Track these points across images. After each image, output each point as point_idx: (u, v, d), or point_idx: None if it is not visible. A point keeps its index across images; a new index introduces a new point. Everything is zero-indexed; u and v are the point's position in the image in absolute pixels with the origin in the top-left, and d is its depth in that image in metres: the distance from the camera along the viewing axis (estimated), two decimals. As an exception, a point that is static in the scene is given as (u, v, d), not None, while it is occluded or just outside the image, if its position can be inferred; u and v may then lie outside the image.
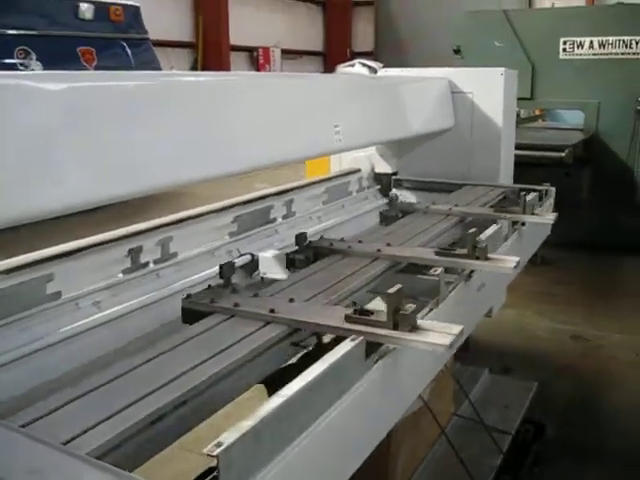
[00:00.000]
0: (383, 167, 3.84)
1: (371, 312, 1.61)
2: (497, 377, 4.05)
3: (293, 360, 1.86)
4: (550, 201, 3.48)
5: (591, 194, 6.75)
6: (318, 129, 2.51)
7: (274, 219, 2.86)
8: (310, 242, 2.48)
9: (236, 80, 2.40)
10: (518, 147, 4.21)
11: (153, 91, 1.89)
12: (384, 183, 3.81)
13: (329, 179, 3.40)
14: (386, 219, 3.07)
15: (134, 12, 9.46)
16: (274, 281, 2.32)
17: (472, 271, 2.24)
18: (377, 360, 1.52)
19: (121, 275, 2.12)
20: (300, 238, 2.47)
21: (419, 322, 1.57)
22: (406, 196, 3.71)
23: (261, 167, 2.26)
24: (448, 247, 2.32)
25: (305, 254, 2.41)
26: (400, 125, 3.22)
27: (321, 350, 1.59)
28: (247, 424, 1.06)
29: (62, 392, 1.37)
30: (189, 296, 1.93)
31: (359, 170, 3.70)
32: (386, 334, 1.53)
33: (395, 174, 3.84)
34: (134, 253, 2.16)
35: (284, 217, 2.93)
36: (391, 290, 1.57)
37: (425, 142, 3.72)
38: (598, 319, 5.34)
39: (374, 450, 1.59)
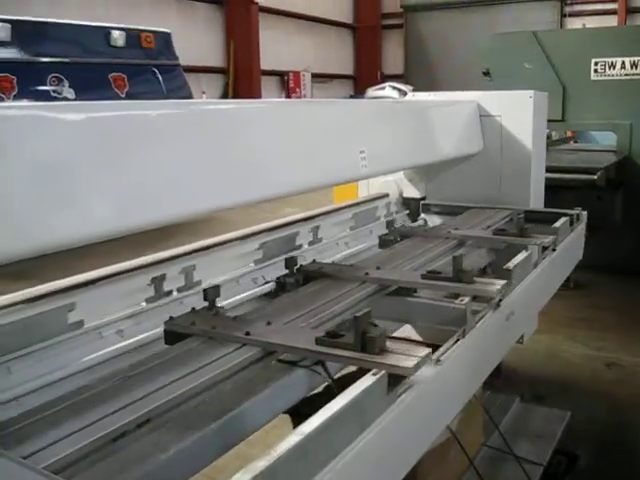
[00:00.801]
0: (411, 192, 3.81)
1: (341, 335, 1.65)
2: (528, 405, 3.96)
3: (319, 389, 1.84)
4: (582, 225, 3.42)
5: (624, 217, 6.63)
6: (343, 155, 2.49)
7: (300, 245, 2.83)
8: (301, 266, 2.51)
9: (261, 107, 2.39)
10: (549, 170, 4.15)
11: (177, 120, 1.88)
12: (412, 208, 3.78)
13: (357, 204, 3.38)
14: (385, 243, 3.05)
15: (165, 38, 9.59)
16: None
17: (501, 300, 2.20)
18: (400, 394, 1.48)
19: (144, 304, 2.11)
20: (290, 262, 2.51)
21: (387, 344, 1.59)
22: (434, 221, 3.67)
23: (285, 194, 2.24)
24: (434, 271, 2.33)
25: (295, 277, 2.44)
26: (428, 150, 3.19)
27: (346, 380, 1.57)
28: (261, 465, 1.02)
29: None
30: (172, 318, 1.97)
31: (387, 195, 3.68)
32: (352, 356, 1.58)
33: (424, 199, 3.80)
34: (157, 281, 2.16)
35: (310, 243, 2.91)
36: (358, 313, 1.61)
37: (454, 166, 3.68)
38: (633, 345, 5.21)
39: (399, 484, 1.55)
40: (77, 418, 1.37)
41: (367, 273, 2.36)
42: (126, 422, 1.37)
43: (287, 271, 2.49)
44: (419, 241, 3.00)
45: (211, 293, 2.07)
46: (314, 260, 2.63)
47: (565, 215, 3.23)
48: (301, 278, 2.44)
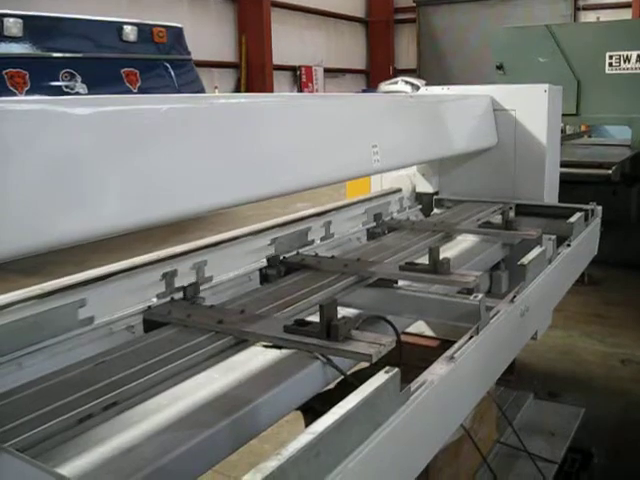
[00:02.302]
0: (424, 187, 3.79)
1: (308, 323, 1.70)
2: (543, 402, 3.93)
3: (331, 386, 1.82)
4: (596, 220, 3.39)
5: (639, 212, 6.57)
6: (355, 150, 2.47)
7: (312, 241, 2.81)
8: (284, 257, 2.54)
9: (273, 102, 2.36)
10: (563, 164, 4.11)
11: (188, 114, 1.86)
12: (425, 203, 3.75)
13: (369, 199, 3.35)
14: (373, 236, 3.06)
15: (177, 33, 9.59)
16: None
17: (515, 295, 2.17)
18: (413, 392, 1.46)
19: (155, 299, 2.09)
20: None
21: (352, 332, 1.62)
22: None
23: (298, 190, 2.22)
24: (412, 262, 2.36)
25: (277, 269, 2.47)
26: (441, 144, 3.16)
27: (359, 377, 1.56)
28: (272, 465, 1.01)
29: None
30: (149, 307, 2.02)
31: (400, 190, 3.65)
32: (318, 343, 1.61)
33: (437, 193, 3.78)
34: (168, 277, 2.14)
35: (322, 239, 2.88)
36: (324, 302, 1.65)
37: (467, 161, 3.65)
38: (648, 341, 5.18)
39: (411, 481, 1.53)
40: (45, 401, 1.41)
41: (346, 265, 2.39)
42: (92, 404, 1.42)
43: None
44: (405, 234, 3.01)
45: (190, 291, 2.13)
46: (297, 252, 2.64)
47: (580, 210, 3.20)
48: (283, 270, 2.47)
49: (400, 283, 2.32)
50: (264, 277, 2.46)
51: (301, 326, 1.70)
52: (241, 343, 1.79)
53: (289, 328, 1.71)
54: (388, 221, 3.25)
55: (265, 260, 2.53)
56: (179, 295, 2.14)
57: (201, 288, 2.22)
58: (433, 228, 3.03)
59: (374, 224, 3.17)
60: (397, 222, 3.25)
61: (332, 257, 2.56)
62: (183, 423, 1.43)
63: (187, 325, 1.87)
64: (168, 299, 2.09)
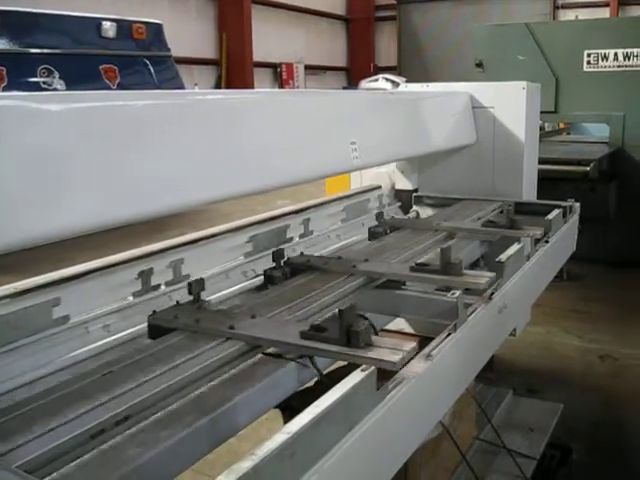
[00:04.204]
0: (404, 184, 3.78)
1: (325, 329, 1.62)
2: (522, 399, 3.94)
3: (310, 384, 1.81)
4: (575, 217, 3.40)
5: (618, 209, 6.62)
6: (334, 147, 2.45)
7: (290, 238, 2.80)
8: (289, 258, 2.47)
9: (251, 98, 2.35)
10: (542, 162, 4.13)
11: (164, 110, 1.84)
12: (404, 200, 3.75)
13: (348, 196, 3.35)
14: (374, 235, 3.01)
15: (157, 30, 9.54)
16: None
17: (493, 292, 2.17)
18: (390, 390, 1.45)
19: (132, 298, 2.07)
20: (277, 254, 2.46)
21: (373, 338, 1.57)
22: (427, 213, 3.64)
23: (276, 187, 2.21)
24: (423, 263, 2.30)
25: (282, 270, 2.39)
26: (420, 141, 3.16)
27: (337, 374, 1.55)
28: (246, 465, 1.00)
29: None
30: (155, 312, 1.93)
31: (379, 187, 3.65)
32: (337, 350, 1.55)
33: (416, 191, 3.77)
34: (145, 275, 2.12)
35: (301, 236, 2.87)
36: (343, 307, 1.58)
37: (446, 158, 3.65)
38: (626, 337, 5.21)
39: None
40: (54, 415, 1.33)
41: (355, 266, 2.33)
42: (104, 419, 1.33)
43: (274, 264, 2.45)
44: (408, 233, 2.97)
45: (195, 286, 2.03)
46: (302, 253, 2.59)
47: (558, 207, 3.21)
48: (288, 271, 2.40)
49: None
50: (268, 279, 2.38)
51: (318, 332, 1.63)
52: (254, 349, 1.70)
53: (306, 334, 1.63)
54: (389, 220, 3.20)
55: (243, 257, 2.52)
56: (178, 295, 2.12)
57: (178, 286, 2.21)
58: (436, 227, 2.98)
59: (376, 223, 3.12)
60: (399, 221, 3.21)
61: (339, 258, 2.49)
62: (160, 422, 1.40)
63: (196, 331, 1.78)
64: (173, 303, 2.04)
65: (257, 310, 1.93)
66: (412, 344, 1.55)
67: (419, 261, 2.34)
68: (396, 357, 1.49)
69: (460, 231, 2.97)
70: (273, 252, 2.48)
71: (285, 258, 2.47)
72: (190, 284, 2.04)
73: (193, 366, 1.57)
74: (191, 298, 2.02)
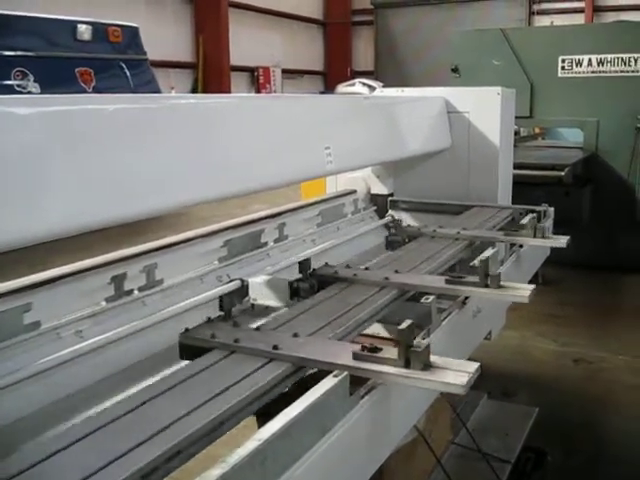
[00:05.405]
0: (379, 188, 3.79)
1: (380, 349, 1.52)
2: (497, 402, 3.96)
3: (285, 389, 1.80)
4: (549, 222, 3.42)
5: (591, 213, 6.68)
6: (308, 151, 2.45)
7: (265, 243, 2.79)
8: (314, 270, 2.36)
9: (225, 102, 2.34)
10: (517, 166, 4.16)
11: (139, 114, 1.83)
12: (380, 204, 3.76)
13: (323, 201, 3.35)
14: (392, 244, 2.96)
15: (133, 33, 9.46)
16: (267, 308, 2.26)
17: (467, 297, 2.18)
18: (363, 395, 1.44)
19: (104, 303, 2.05)
20: (304, 265, 2.35)
21: (432, 359, 1.48)
22: (403, 217, 3.64)
23: (249, 191, 2.20)
24: (459, 275, 2.23)
25: (309, 282, 2.28)
26: (395, 146, 3.17)
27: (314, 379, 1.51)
28: (215, 473, 0.99)
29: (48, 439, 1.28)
30: (187, 330, 1.80)
31: (355, 191, 3.65)
32: (397, 373, 1.45)
33: (391, 195, 3.78)
34: (118, 280, 2.10)
35: (276, 241, 2.87)
36: (402, 325, 1.48)
37: (422, 163, 3.66)
38: (601, 341, 5.25)
39: (364, 484, 1.52)
40: (97, 453, 1.19)
41: (387, 278, 2.24)
42: (155, 457, 1.17)
43: (300, 275, 2.35)
44: (428, 242, 2.89)
45: (227, 302, 1.95)
46: (326, 263, 2.47)
47: (532, 211, 3.23)
48: (315, 283, 2.29)
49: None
50: (294, 291, 2.27)
51: (372, 352, 1.52)
52: (299, 370, 1.59)
53: (360, 356, 1.52)
54: (406, 228, 3.13)
55: (217, 262, 2.50)
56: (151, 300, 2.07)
57: (151, 291, 2.19)
58: (456, 236, 2.91)
59: (393, 232, 3.07)
60: (416, 230, 3.11)
61: (366, 269, 2.42)
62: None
63: (235, 351, 1.65)
64: (147, 308, 1.99)
65: (295, 327, 1.82)
66: (475, 365, 1.47)
67: (440, 271, 2.30)
68: (463, 380, 1.42)
69: (481, 239, 2.91)
70: (299, 263, 2.37)
71: (311, 269, 2.37)
72: (221, 298, 1.98)
73: (242, 390, 1.44)
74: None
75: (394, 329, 2.61)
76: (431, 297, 1.94)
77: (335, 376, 1.34)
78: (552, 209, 3.45)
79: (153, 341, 2.04)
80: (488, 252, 2.46)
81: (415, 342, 1.47)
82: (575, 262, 6.52)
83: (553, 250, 3.50)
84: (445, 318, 1.99)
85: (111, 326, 2.00)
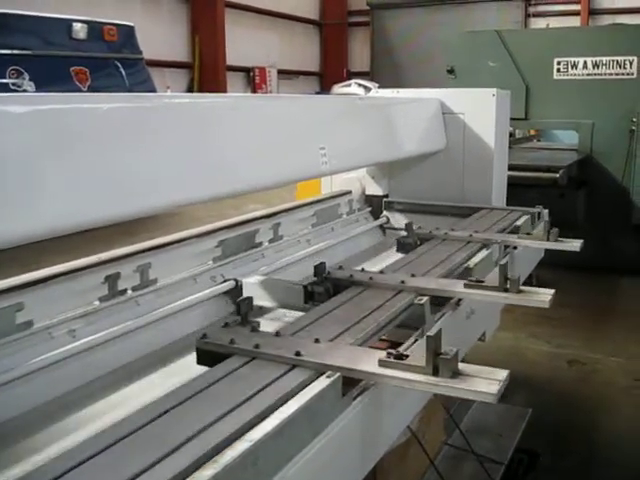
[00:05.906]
0: (374, 189, 3.79)
1: (407, 355, 1.49)
2: (490, 404, 3.95)
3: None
4: (543, 223, 3.42)
5: (586, 215, 6.70)
6: (303, 152, 2.45)
7: (260, 243, 2.79)
8: (329, 273, 2.31)
9: (221, 102, 2.34)
10: (512, 168, 4.16)
11: (135, 113, 1.83)
12: (375, 205, 3.76)
13: (318, 201, 3.35)
14: (403, 247, 2.93)
15: (128, 32, 9.45)
16: (262, 308, 2.26)
17: (460, 298, 2.18)
18: (355, 397, 1.44)
19: (98, 303, 2.05)
20: (319, 269, 2.31)
21: (460, 366, 1.46)
22: (397, 219, 3.65)
23: (244, 192, 2.20)
24: (477, 279, 2.19)
25: (324, 286, 2.25)
26: (390, 147, 3.17)
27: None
28: (207, 474, 0.98)
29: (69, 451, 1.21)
30: (205, 336, 1.73)
31: (350, 192, 3.65)
32: (426, 381, 1.43)
33: (386, 196, 3.78)
34: (111, 280, 2.09)
35: (270, 241, 2.86)
36: (430, 332, 1.45)
37: (417, 164, 3.66)
38: (594, 342, 5.27)
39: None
40: (129, 463, 1.13)
41: (403, 281, 2.21)
42: (186, 466, 1.09)
43: (315, 278, 2.30)
44: (440, 244, 2.86)
45: (244, 306, 1.90)
46: (340, 266, 2.44)
47: (527, 213, 3.23)
48: (331, 287, 2.26)
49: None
50: (309, 295, 2.23)
51: (399, 359, 1.48)
52: (321, 376, 1.49)
53: (386, 362, 1.48)
54: (417, 231, 3.07)
55: (211, 262, 2.50)
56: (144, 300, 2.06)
57: (145, 291, 2.19)
58: (468, 239, 2.88)
59: (405, 234, 3.03)
60: (428, 233, 3.05)
61: (381, 272, 2.37)
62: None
63: (256, 357, 1.60)
64: (140, 308, 1.97)
65: (315, 332, 1.79)
66: (504, 373, 1.45)
67: (457, 274, 2.27)
68: (494, 388, 1.39)
69: (494, 243, 2.88)
70: (315, 266, 2.32)
71: (326, 272, 2.33)
72: (239, 304, 1.94)
73: (268, 397, 1.37)
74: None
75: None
76: (425, 298, 1.94)
77: (328, 377, 1.34)
78: (547, 211, 3.46)
79: (147, 341, 2.04)
80: (481, 254, 2.48)
81: (443, 350, 1.44)
82: (569, 264, 6.51)
83: (548, 252, 3.51)
84: (439, 319, 1.99)
85: (104, 326, 2.00)
